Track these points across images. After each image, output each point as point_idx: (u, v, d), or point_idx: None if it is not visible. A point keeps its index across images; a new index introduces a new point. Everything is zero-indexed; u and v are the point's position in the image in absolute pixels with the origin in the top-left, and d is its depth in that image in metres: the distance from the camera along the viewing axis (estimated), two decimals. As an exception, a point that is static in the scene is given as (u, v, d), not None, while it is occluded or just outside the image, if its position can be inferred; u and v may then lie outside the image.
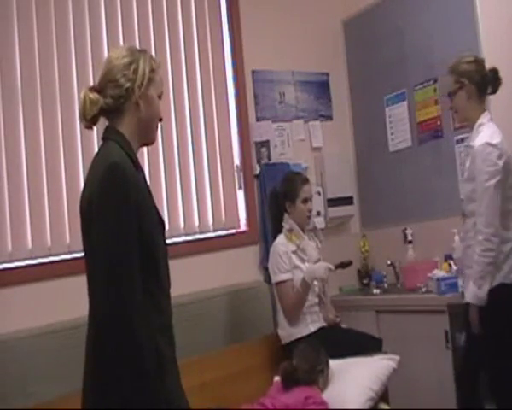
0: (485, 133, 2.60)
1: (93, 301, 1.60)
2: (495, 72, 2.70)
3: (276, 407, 2.51)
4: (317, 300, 3.11)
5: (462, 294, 3.16)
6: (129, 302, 1.49)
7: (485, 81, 2.68)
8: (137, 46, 3.27)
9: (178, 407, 1.58)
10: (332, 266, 2.98)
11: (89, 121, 1.68)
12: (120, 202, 1.54)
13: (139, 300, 1.52)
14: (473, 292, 2.56)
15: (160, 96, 1.77)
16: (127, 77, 1.67)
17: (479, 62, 2.72)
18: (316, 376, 2.66)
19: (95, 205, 1.55)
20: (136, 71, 1.68)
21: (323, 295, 3.18)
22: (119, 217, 1.53)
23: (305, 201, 3.16)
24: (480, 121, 2.66)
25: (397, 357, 2.79)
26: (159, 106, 1.76)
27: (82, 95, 1.67)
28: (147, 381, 1.49)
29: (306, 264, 3.09)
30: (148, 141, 1.79)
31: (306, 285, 2.98)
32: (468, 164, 2.68)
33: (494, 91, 2.72)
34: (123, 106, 1.68)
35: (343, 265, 3.13)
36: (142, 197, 1.61)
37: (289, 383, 2.63)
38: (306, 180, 3.23)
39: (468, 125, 2.76)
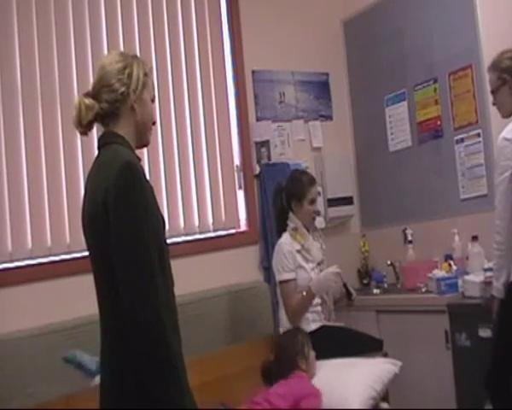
0: (508, 128, 2.61)
1: (106, 303, 1.61)
2: None
3: (268, 398, 2.53)
4: (319, 300, 3.11)
5: (462, 294, 3.18)
6: (158, 300, 1.51)
7: None
8: (137, 46, 3.33)
9: (189, 405, 1.58)
10: (339, 269, 3.00)
11: (84, 127, 1.69)
12: (140, 200, 1.56)
13: (163, 296, 1.54)
14: (494, 284, 2.63)
15: (152, 100, 1.79)
16: (122, 81, 1.69)
17: None
18: (294, 359, 2.70)
19: (112, 205, 1.54)
20: (130, 75, 1.70)
21: (326, 295, 3.18)
22: (139, 214, 1.54)
23: (312, 202, 3.17)
24: None
25: (399, 362, 2.80)
26: (152, 109, 1.79)
27: (76, 101, 1.67)
28: (175, 376, 1.51)
29: (310, 264, 3.10)
30: (143, 143, 1.80)
31: (312, 295, 2.99)
32: None
33: None
34: (118, 110, 1.69)
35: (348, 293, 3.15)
36: (152, 196, 1.64)
37: (270, 379, 2.68)
38: (313, 181, 3.22)
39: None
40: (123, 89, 1.68)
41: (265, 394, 2.59)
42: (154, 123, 1.81)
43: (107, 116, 1.70)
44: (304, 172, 3.33)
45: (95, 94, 1.69)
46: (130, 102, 1.69)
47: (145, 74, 1.74)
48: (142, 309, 1.49)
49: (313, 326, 3.03)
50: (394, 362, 2.82)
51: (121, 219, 1.54)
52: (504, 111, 2.77)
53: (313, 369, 2.76)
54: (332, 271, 2.98)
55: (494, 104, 2.80)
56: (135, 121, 1.72)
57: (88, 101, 1.67)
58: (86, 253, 1.70)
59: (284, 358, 2.72)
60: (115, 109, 1.69)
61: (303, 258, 3.09)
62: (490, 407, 2.70)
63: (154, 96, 1.80)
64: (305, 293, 2.99)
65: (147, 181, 1.63)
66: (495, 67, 2.71)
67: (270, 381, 2.69)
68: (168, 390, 1.50)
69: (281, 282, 3.08)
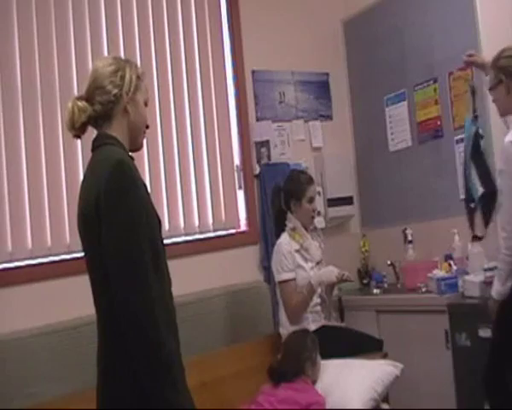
0: None
1: (102, 303, 1.61)
2: None
3: (274, 405, 2.52)
4: (319, 300, 3.11)
5: (462, 294, 3.18)
6: (151, 298, 1.51)
7: None
8: (137, 46, 3.33)
9: (186, 404, 1.58)
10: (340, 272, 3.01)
11: (77, 130, 1.71)
12: (133, 197, 1.57)
13: (157, 296, 1.54)
14: (496, 288, 2.57)
15: (145, 104, 1.80)
16: (115, 83, 1.70)
17: None
18: (302, 364, 2.69)
19: (104, 203, 1.55)
20: (123, 77, 1.72)
21: (325, 295, 3.18)
22: (132, 211, 1.55)
23: (311, 200, 3.18)
24: None
25: (400, 365, 2.80)
26: (145, 112, 1.80)
27: (69, 104, 1.69)
28: (169, 376, 1.52)
29: (309, 263, 3.10)
30: (136, 146, 1.81)
31: (312, 289, 2.99)
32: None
33: None
34: (112, 111, 1.71)
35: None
36: (146, 194, 1.64)
37: (275, 378, 2.66)
38: (312, 180, 3.25)
39: (508, 118, 2.74)
40: (116, 90, 1.70)
41: (268, 396, 2.58)
42: (147, 127, 1.82)
43: (100, 118, 1.71)
44: (302, 172, 3.37)
45: (88, 97, 1.71)
46: (123, 103, 1.71)
47: (138, 77, 1.76)
48: (134, 308, 1.49)
49: (313, 326, 3.03)
50: (396, 364, 2.82)
51: (113, 216, 1.54)
52: (500, 109, 2.75)
53: (318, 375, 2.76)
54: (338, 270, 2.99)
55: (493, 101, 2.80)
56: (128, 123, 1.73)
57: (81, 103, 1.69)
58: (85, 253, 1.70)
59: (292, 362, 2.70)
60: (108, 111, 1.70)
61: (302, 257, 3.10)
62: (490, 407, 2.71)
63: (147, 100, 1.81)
64: (305, 290, 3.00)
65: (140, 179, 1.63)
66: (494, 64, 2.69)
67: (276, 380, 2.68)
68: (162, 389, 1.50)
69: (280, 282, 3.08)
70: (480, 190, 2.94)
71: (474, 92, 3.13)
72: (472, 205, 2.96)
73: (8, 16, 2.90)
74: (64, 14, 3.08)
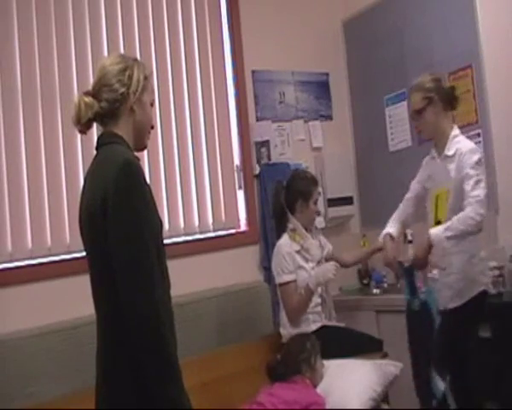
0: (469, 144, 2.64)
1: (104, 303, 1.62)
2: (453, 89, 2.75)
3: (275, 405, 2.53)
4: (319, 300, 3.11)
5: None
6: (157, 297, 1.52)
7: (448, 96, 2.71)
8: (137, 46, 3.33)
9: (187, 404, 1.59)
10: (337, 264, 3.01)
11: (83, 125, 1.70)
12: (140, 198, 1.57)
13: (161, 295, 1.55)
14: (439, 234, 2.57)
15: (151, 104, 1.80)
16: (122, 82, 1.70)
17: (440, 80, 2.76)
18: (299, 366, 2.71)
19: (112, 202, 1.55)
20: (130, 77, 1.72)
21: (326, 294, 3.18)
22: (139, 212, 1.55)
23: (316, 202, 3.19)
24: (453, 133, 2.69)
25: (400, 364, 2.81)
26: (151, 113, 1.80)
27: (76, 99, 1.69)
28: (174, 375, 1.53)
29: (310, 264, 3.10)
30: (141, 147, 1.81)
31: (310, 291, 2.99)
32: (451, 172, 2.65)
33: (454, 108, 2.75)
34: (118, 110, 1.70)
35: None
36: (151, 196, 1.65)
37: (273, 377, 2.70)
38: (317, 181, 3.26)
39: (436, 138, 2.77)
40: (123, 89, 1.70)
41: (269, 396, 2.59)
42: (152, 127, 1.81)
43: (106, 116, 1.71)
44: (307, 172, 3.36)
45: (95, 93, 1.71)
46: (130, 103, 1.71)
47: (145, 78, 1.76)
48: (140, 306, 1.50)
49: (313, 327, 3.03)
50: (395, 364, 2.82)
51: (121, 216, 1.54)
52: (428, 133, 2.79)
53: (319, 378, 2.76)
54: (331, 264, 2.99)
55: (416, 127, 2.83)
56: (133, 123, 1.73)
57: (88, 99, 1.68)
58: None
59: (289, 364, 2.73)
60: (115, 109, 1.70)
61: (302, 258, 3.09)
62: (489, 407, 2.71)
63: (153, 101, 1.82)
64: (303, 291, 3.00)
65: (146, 180, 1.63)
66: (419, 87, 2.73)
67: (273, 379, 2.71)
68: (168, 389, 1.51)
69: (281, 284, 3.08)
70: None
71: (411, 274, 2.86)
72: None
73: (8, 16, 2.90)
74: (64, 14, 3.08)
